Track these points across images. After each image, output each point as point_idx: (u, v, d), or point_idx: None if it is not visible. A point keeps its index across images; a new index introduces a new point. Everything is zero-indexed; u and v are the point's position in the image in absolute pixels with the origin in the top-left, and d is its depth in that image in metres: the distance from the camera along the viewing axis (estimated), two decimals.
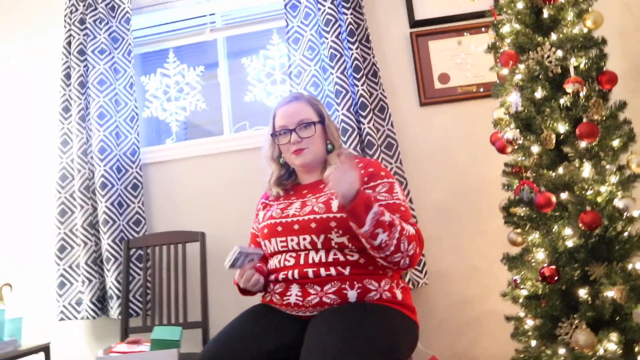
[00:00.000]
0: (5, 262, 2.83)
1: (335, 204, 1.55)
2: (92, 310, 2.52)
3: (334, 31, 2.46)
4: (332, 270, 1.51)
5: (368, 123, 2.38)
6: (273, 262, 1.65)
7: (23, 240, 2.84)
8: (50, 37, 2.97)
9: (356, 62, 2.43)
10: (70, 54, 2.76)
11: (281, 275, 1.58)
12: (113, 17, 2.79)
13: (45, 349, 2.41)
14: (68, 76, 2.75)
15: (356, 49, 2.45)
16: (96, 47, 2.72)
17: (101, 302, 2.57)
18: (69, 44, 2.77)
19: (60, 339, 2.70)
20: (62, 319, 2.57)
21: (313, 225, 1.55)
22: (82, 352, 2.69)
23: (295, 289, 1.55)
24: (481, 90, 2.51)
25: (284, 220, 1.62)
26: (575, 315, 1.62)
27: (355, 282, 1.50)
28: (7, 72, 3.02)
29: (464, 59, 2.56)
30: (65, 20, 2.79)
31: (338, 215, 1.53)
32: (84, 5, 2.78)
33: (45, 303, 2.72)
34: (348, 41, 2.46)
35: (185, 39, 2.97)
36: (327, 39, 2.46)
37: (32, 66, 2.99)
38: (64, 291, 2.59)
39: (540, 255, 1.76)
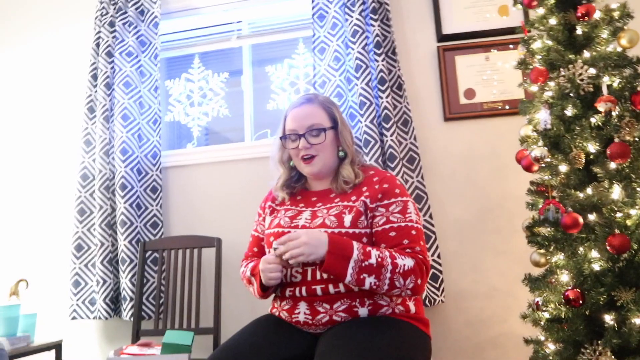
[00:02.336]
0: (23, 258, 2.85)
1: (348, 219, 1.51)
2: (105, 310, 2.51)
3: (361, 42, 2.45)
4: (341, 287, 1.46)
5: (391, 136, 2.36)
6: None
7: (41, 238, 2.86)
8: (79, 37, 3.03)
9: (381, 74, 2.42)
10: (98, 55, 2.80)
11: (288, 292, 1.54)
12: (142, 21, 2.83)
13: (57, 346, 2.42)
14: (95, 77, 2.79)
15: (382, 60, 2.44)
16: (124, 50, 2.76)
17: (114, 303, 2.57)
18: (98, 45, 2.81)
19: (72, 337, 2.70)
20: (74, 318, 2.57)
21: None
22: (93, 352, 2.68)
23: (303, 307, 1.50)
24: (507, 107, 2.48)
25: (292, 230, 1.56)
26: (599, 342, 1.55)
27: (365, 299, 1.46)
28: (36, 70, 3.08)
29: (490, 75, 2.53)
30: (95, 22, 2.85)
31: (350, 230, 1.49)
32: (114, 9, 2.83)
33: (59, 301, 2.73)
34: (374, 53, 2.45)
35: (211, 45, 2.99)
36: (353, 49, 2.46)
37: (60, 64, 3.04)
38: (78, 290, 2.59)
39: (564, 277, 1.70)
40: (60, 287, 2.74)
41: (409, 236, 1.49)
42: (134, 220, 2.58)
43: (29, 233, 2.89)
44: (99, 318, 2.52)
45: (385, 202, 1.54)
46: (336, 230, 1.49)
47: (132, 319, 2.44)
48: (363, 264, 1.38)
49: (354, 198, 1.57)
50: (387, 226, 1.50)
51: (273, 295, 1.66)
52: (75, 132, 2.89)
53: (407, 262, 1.42)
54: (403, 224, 1.50)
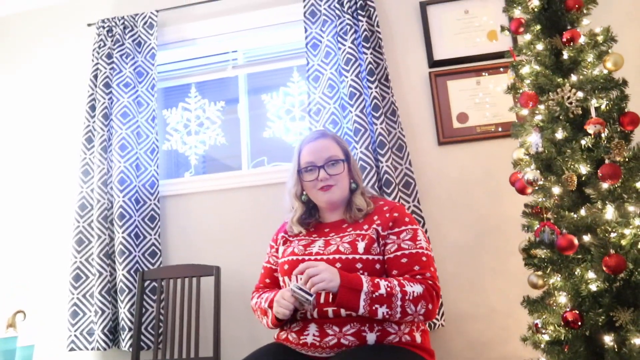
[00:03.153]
0: (20, 289, 2.84)
1: (361, 246, 1.54)
2: (104, 341, 2.49)
3: (354, 70, 2.50)
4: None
5: (386, 162, 2.38)
6: None
7: (39, 268, 2.85)
8: (77, 68, 3.07)
9: (375, 100, 2.46)
10: (96, 86, 2.84)
11: (299, 315, 1.55)
12: (139, 52, 2.88)
13: None
14: (93, 108, 2.82)
15: (375, 87, 2.48)
16: (121, 81, 2.80)
17: (113, 334, 2.55)
18: (96, 76, 2.85)
19: None
20: (72, 349, 2.54)
21: (338, 265, 1.52)
22: None
23: (313, 329, 1.51)
24: (500, 130, 2.51)
25: (306, 257, 1.60)
26: None
27: (375, 325, 1.48)
28: (35, 102, 3.11)
29: (482, 99, 2.57)
30: (93, 54, 2.89)
31: (364, 257, 1.53)
32: (112, 41, 2.88)
33: (57, 332, 2.71)
34: (367, 80, 2.49)
35: (207, 74, 3.04)
36: (347, 77, 2.50)
37: (58, 95, 3.08)
38: (76, 320, 2.57)
39: (562, 299, 1.71)
40: (58, 318, 2.72)
41: (419, 262, 1.53)
42: (133, 249, 2.58)
43: (27, 264, 2.88)
44: (98, 349, 2.50)
45: (396, 229, 1.59)
46: (350, 257, 1.53)
47: (131, 349, 2.42)
48: (374, 295, 1.40)
49: (366, 227, 1.62)
50: (398, 253, 1.54)
51: None
52: (73, 163, 2.91)
53: (415, 289, 1.45)
54: (414, 251, 1.55)
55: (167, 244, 2.74)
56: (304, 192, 1.75)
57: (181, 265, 2.54)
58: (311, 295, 1.41)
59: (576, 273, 1.67)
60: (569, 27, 1.83)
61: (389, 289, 1.42)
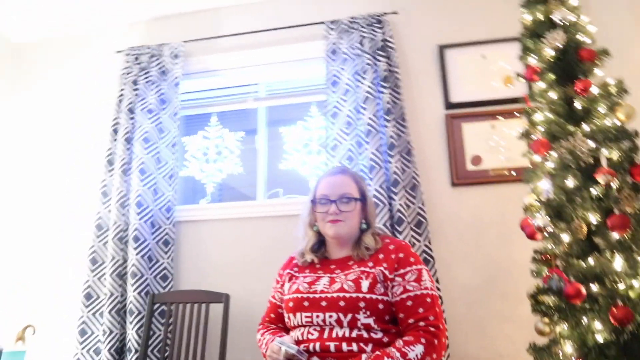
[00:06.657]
0: (31, 304, 2.88)
1: (365, 285, 1.56)
2: None
3: (372, 108, 2.56)
4: (354, 346, 1.50)
5: (399, 200, 2.41)
6: (295, 334, 1.64)
7: (51, 284, 2.91)
8: (104, 93, 3.19)
9: (391, 139, 2.51)
10: (120, 110, 2.94)
11: (302, 348, 1.57)
12: (164, 81, 2.98)
13: None
14: (116, 131, 2.92)
15: (392, 126, 2.53)
16: (145, 107, 2.90)
17: (119, 354, 2.56)
18: (121, 101, 2.96)
19: None
20: None
21: (342, 303, 1.55)
22: None
23: None
24: (513, 173, 2.53)
25: (311, 295, 1.62)
26: None
27: None
28: (62, 122, 3.23)
29: (497, 142, 2.60)
30: (121, 80, 3.02)
31: (367, 296, 1.54)
32: (138, 68, 3.00)
33: (65, 348, 2.73)
34: (384, 119, 2.55)
35: (228, 105, 3.13)
36: (364, 115, 2.56)
37: (85, 118, 3.20)
38: (84, 339, 2.60)
39: (568, 348, 1.69)
40: (66, 334, 2.75)
41: (424, 304, 1.54)
42: (145, 272, 2.62)
43: (39, 279, 2.93)
44: None
45: (402, 271, 1.61)
46: (354, 295, 1.55)
47: None
48: None
49: (371, 264, 1.64)
50: (404, 296, 1.56)
51: None
52: (94, 183, 2.99)
53: (417, 351, 1.46)
54: (419, 292, 1.56)
55: (179, 268, 2.78)
56: (317, 223, 1.79)
57: (191, 290, 2.57)
58: (297, 348, 1.51)
59: (583, 322, 1.65)
60: (581, 77, 1.87)
61: None
